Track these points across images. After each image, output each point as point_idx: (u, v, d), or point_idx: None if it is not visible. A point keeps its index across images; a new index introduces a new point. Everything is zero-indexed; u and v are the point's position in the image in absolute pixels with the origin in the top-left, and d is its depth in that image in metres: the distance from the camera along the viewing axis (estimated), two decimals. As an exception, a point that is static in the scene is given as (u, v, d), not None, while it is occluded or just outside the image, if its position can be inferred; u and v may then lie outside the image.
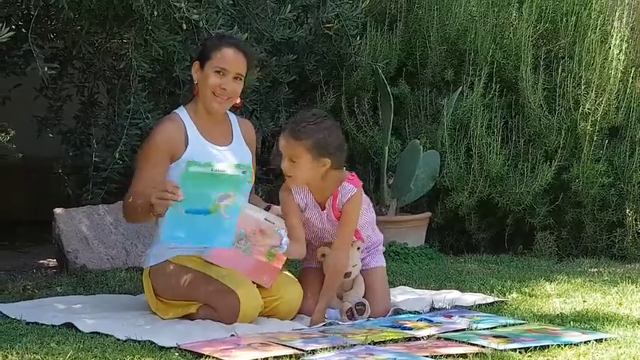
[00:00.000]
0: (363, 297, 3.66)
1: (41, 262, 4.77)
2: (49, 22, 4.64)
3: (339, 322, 3.52)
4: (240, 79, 3.61)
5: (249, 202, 3.64)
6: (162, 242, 3.43)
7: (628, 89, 5.34)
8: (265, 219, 3.51)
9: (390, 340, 3.17)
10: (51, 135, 5.03)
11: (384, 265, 3.85)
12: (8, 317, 3.44)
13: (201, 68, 3.59)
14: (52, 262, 4.70)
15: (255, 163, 3.77)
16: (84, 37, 4.44)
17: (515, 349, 3.02)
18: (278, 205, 3.71)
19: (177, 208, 3.28)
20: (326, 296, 3.56)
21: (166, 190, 3.26)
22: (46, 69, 4.03)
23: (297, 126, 3.49)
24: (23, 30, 4.31)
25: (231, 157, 3.62)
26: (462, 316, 3.55)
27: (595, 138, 5.28)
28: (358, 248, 3.71)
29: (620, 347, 3.09)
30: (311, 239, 3.69)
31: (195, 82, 3.62)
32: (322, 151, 3.49)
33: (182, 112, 3.64)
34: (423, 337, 3.23)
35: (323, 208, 3.63)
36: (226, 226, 3.37)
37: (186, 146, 3.56)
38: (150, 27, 4.30)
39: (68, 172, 5.17)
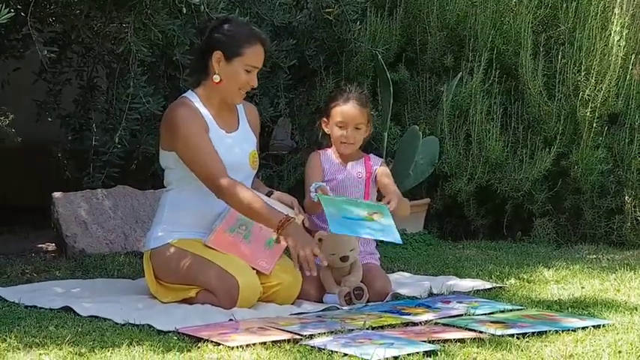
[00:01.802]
0: (361, 282, 3.67)
1: (40, 246, 4.77)
2: (48, 6, 4.62)
3: (338, 307, 3.52)
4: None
5: (252, 186, 3.65)
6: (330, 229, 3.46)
7: (628, 76, 5.33)
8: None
9: (388, 326, 3.18)
10: (50, 119, 5.03)
11: (379, 264, 3.91)
12: (7, 301, 3.45)
13: (226, 60, 3.53)
14: (51, 246, 4.70)
15: (259, 148, 3.77)
16: (83, 21, 4.43)
17: (512, 335, 3.03)
18: (274, 189, 3.77)
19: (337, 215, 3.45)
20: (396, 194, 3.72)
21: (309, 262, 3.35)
22: (45, 52, 4.02)
23: (361, 94, 3.84)
24: (22, 14, 4.30)
25: (240, 144, 3.62)
26: (460, 302, 3.56)
27: (594, 125, 5.28)
28: None
29: (617, 333, 3.09)
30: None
31: (217, 72, 3.54)
32: (371, 117, 3.89)
33: (193, 97, 3.59)
34: (421, 323, 3.24)
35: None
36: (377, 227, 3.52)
37: (208, 130, 3.53)
38: (149, 11, 4.29)
39: (67, 157, 5.18)
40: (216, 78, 3.56)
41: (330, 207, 3.48)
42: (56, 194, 4.56)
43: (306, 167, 3.89)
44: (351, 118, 3.79)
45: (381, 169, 3.89)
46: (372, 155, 3.95)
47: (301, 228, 3.47)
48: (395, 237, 3.52)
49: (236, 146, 3.60)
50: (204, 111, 3.56)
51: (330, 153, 3.89)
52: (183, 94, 3.64)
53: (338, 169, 3.86)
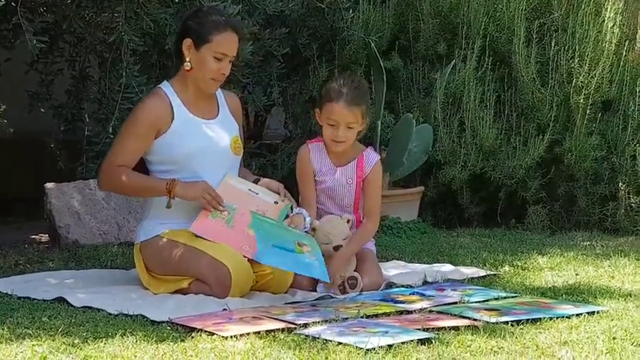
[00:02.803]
0: (355, 271, 3.66)
1: (33, 237, 4.76)
2: (38, -5, 4.60)
3: (332, 296, 3.52)
4: (233, 59, 3.61)
5: (238, 175, 3.65)
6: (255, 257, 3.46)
7: (621, 62, 5.32)
8: (249, 190, 3.52)
9: (383, 314, 3.18)
10: (42, 110, 5.01)
11: (374, 250, 3.88)
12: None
13: (196, 47, 3.54)
14: (45, 237, 4.69)
15: (242, 135, 3.76)
16: (74, 10, 4.40)
17: (507, 322, 3.03)
18: (268, 178, 3.77)
19: (266, 241, 3.42)
20: (350, 250, 3.65)
21: (216, 200, 3.44)
22: (35, 42, 3.99)
23: (355, 91, 3.68)
24: (13, 3, 4.27)
25: (219, 131, 3.61)
26: (455, 290, 3.56)
27: (588, 111, 5.27)
28: (348, 221, 3.71)
29: (612, 320, 3.10)
30: (319, 197, 3.78)
31: (188, 60, 3.55)
32: (367, 112, 3.75)
33: (167, 87, 3.60)
34: (415, 311, 3.24)
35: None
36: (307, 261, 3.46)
37: (172, 120, 3.54)
38: (141, 0, 4.26)
39: (60, 147, 5.15)
40: (187, 65, 3.56)
41: (261, 230, 3.44)
42: (49, 185, 4.54)
43: (297, 163, 3.85)
44: (343, 118, 3.68)
45: (369, 177, 3.77)
46: (368, 151, 3.83)
47: (188, 183, 3.47)
48: (322, 274, 3.43)
49: (215, 133, 3.60)
50: (175, 100, 3.56)
51: (322, 147, 3.80)
52: (159, 84, 3.64)
53: (328, 170, 3.78)
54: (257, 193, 3.57)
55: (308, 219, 3.62)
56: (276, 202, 3.59)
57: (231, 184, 3.53)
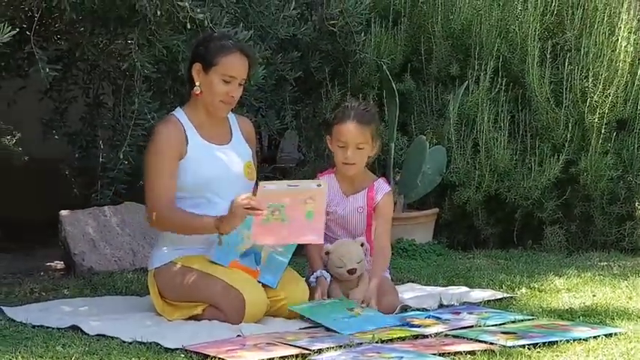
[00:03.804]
0: (370, 294, 3.64)
1: (48, 264, 4.76)
2: (52, 24, 4.63)
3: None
4: (243, 83, 3.61)
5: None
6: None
7: (636, 81, 5.30)
8: (288, 185, 3.52)
9: (398, 338, 3.16)
10: (57, 137, 5.03)
11: (389, 276, 3.86)
12: (14, 321, 3.43)
13: (205, 71, 3.55)
14: (60, 264, 4.69)
15: (255, 160, 3.76)
16: (87, 38, 4.43)
17: (523, 346, 3.00)
18: None
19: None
20: (377, 277, 3.61)
21: (252, 205, 3.35)
22: (47, 70, 4.02)
23: (363, 112, 3.68)
24: (27, 32, 4.30)
25: (233, 156, 3.61)
26: (471, 313, 3.53)
27: (603, 131, 5.25)
28: (362, 244, 3.70)
29: (630, 342, 3.07)
30: (331, 226, 3.74)
31: (197, 84, 3.57)
32: (377, 135, 3.72)
33: (179, 114, 3.61)
34: (430, 335, 3.21)
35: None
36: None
37: (187, 146, 3.55)
38: (153, 27, 4.28)
39: (75, 174, 5.17)
40: (197, 90, 3.57)
41: (316, 315, 3.44)
42: (63, 212, 4.55)
43: None
44: (352, 138, 3.67)
45: (378, 210, 3.74)
46: (379, 182, 3.81)
47: (227, 216, 3.41)
48: (386, 321, 3.44)
49: (229, 159, 3.59)
50: (188, 126, 3.57)
51: (333, 178, 3.78)
52: (172, 111, 3.65)
53: (340, 200, 3.76)
54: (297, 185, 3.55)
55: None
56: (319, 185, 3.54)
57: (268, 189, 3.47)
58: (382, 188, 3.78)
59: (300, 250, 3.71)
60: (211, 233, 3.44)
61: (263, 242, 3.47)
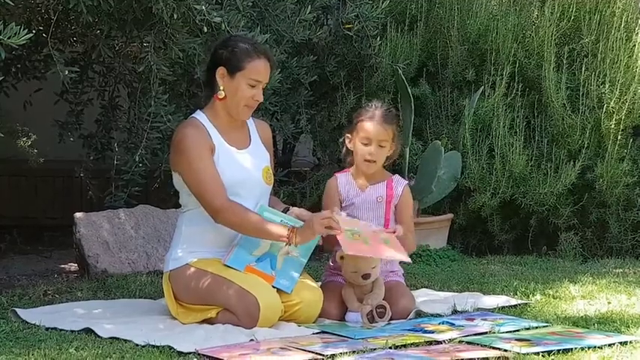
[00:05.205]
0: (384, 299, 3.63)
1: (62, 266, 4.77)
2: (69, 27, 4.64)
3: (361, 325, 3.49)
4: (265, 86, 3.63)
5: (268, 204, 3.63)
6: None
7: (653, 87, 5.28)
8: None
9: (411, 344, 3.14)
10: (72, 139, 5.04)
11: (403, 281, 3.85)
12: (28, 323, 3.44)
13: (230, 75, 3.54)
14: (74, 266, 4.70)
15: (273, 164, 3.76)
16: (104, 40, 4.44)
17: (537, 353, 2.98)
18: (297, 206, 3.75)
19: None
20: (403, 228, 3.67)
21: (331, 221, 3.42)
22: (66, 72, 4.03)
23: (387, 111, 3.76)
24: (44, 35, 4.32)
25: (252, 160, 3.61)
26: (485, 319, 3.52)
27: (619, 137, 5.22)
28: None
29: (645, 350, 3.04)
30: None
31: (221, 88, 3.56)
32: (397, 136, 3.79)
33: (201, 117, 3.59)
34: (444, 341, 3.20)
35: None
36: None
37: (213, 151, 3.53)
38: (169, 30, 4.29)
39: (90, 176, 5.19)
40: (221, 94, 3.56)
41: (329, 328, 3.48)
42: (78, 214, 4.56)
43: (324, 194, 3.86)
44: (375, 135, 3.71)
45: (402, 199, 3.80)
46: (396, 176, 3.86)
47: (303, 228, 3.47)
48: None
49: (248, 163, 3.59)
50: (212, 129, 3.56)
51: (349, 175, 3.82)
52: (193, 114, 3.63)
53: (356, 193, 3.78)
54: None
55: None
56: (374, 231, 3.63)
57: (342, 216, 3.59)
58: (401, 182, 3.84)
59: (315, 254, 3.71)
60: (278, 241, 3.47)
61: (353, 253, 3.51)
